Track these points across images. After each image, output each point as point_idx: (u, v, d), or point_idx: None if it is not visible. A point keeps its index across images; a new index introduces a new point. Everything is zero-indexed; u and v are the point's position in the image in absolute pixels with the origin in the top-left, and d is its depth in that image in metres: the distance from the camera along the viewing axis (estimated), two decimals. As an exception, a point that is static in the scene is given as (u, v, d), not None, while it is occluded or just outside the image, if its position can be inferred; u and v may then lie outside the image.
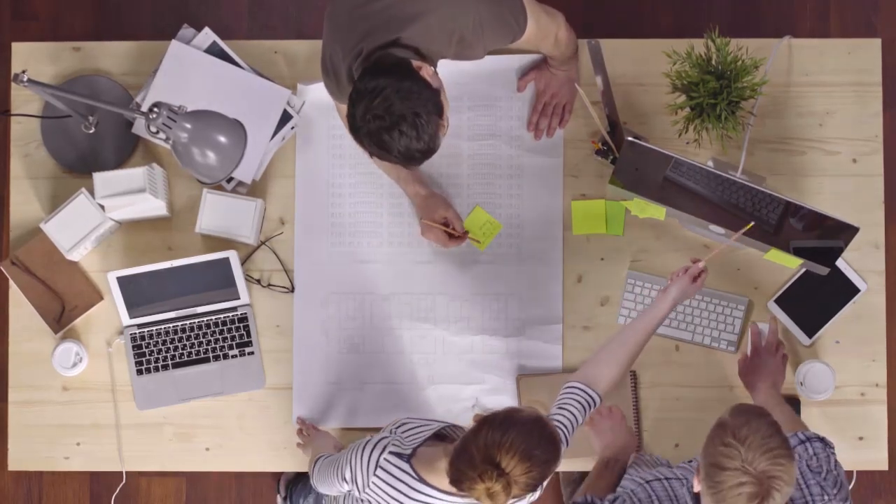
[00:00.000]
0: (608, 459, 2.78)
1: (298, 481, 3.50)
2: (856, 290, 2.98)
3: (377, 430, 2.99)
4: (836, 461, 2.55)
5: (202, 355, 3.00)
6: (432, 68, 2.53)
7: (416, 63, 2.50)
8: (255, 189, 3.04)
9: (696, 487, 2.36)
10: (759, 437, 2.26)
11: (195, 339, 3.00)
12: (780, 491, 2.26)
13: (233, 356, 3.00)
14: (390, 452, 2.51)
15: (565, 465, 2.98)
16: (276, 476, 3.58)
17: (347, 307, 3.02)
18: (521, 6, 2.65)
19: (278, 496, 3.54)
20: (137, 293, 2.97)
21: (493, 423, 2.34)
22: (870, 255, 3.01)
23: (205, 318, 3.00)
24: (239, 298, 3.00)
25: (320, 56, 2.69)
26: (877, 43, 3.04)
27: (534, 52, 3.01)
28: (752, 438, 2.26)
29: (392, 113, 2.43)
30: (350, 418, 3.00)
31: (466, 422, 2.98)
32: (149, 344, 3.00)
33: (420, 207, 2.98)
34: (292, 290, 3.02)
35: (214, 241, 3.04)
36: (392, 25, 2.53)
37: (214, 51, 3.03)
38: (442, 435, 2.62)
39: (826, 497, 2.47)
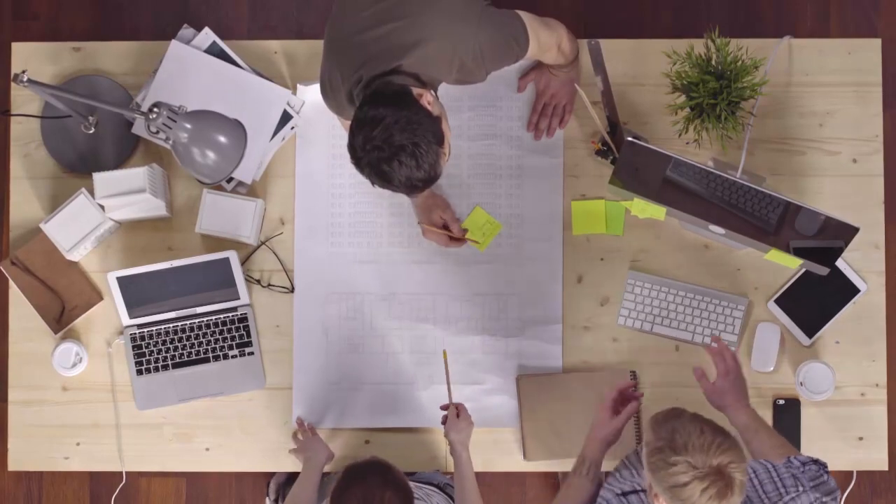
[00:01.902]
0: (581, 464, 2.67)
1: (291, 483, 3.50)
2: (856, 291, 2.98)
3: (377, 430, 2.99)
4: (829, 477, 2.54)
5: (202, 355, 3.00)
6: (433, 94, 2.53)
7: (416, 91, 2.49)
8: (255, 189, 3.04)
9: None
10: (693, 439, 2.29)
11: (195, 339, 3.00)
12: (737, 471, 2.28)
13: (233, 356, 3.00)
14: None
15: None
16: (270, 477, 3.58)
17: (347, 307, 3.02)
18: (522, 27, 2.64)
19: (267, 499, 3.54)
20: (137, 293, 2.97)
21: (337, 489, 2.50)
22: (870, 255, 3.01)
23: (205, 319, 3.00)
24: (239, 298, 3.00)
25: (319, 77, 2.68)
26: (877, 43, 3.04)
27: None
28: (689, 442, 2.29)
29: (391, 144, 2.43)
30: (350, 418, 3.00)
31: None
32: (149, 344, 3.00)
33: (419, 209, 2.99)
34: (292, 290, 3.02)
35: (214, 241, 3.04)
36: (393, 53, 2.52)
37: (214, 51, 3.03)
38: None
39: (800, 488, 2.47)
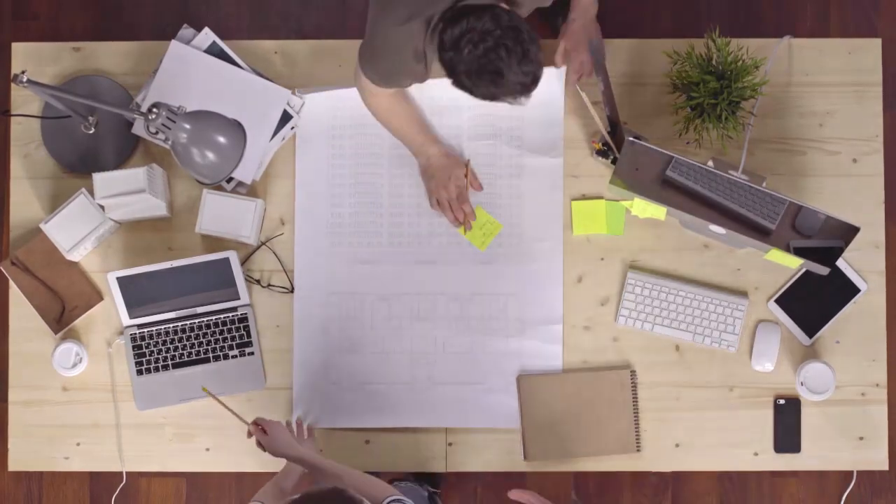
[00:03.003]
0: None
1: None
2: (856, 290, 2.99)
3: (377, 430, 2.99)
4: None
5: (202, 355, 3.00)
6: None
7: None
8: (255, 189, 3.04)
9: None
10: None
11: (195, 339, 3.00)
12: None
13: (233, 356, 3.00)
14: None
15: (577, 466, 2.99)
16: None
17: (347, 307, 3.02)
18: None
19: None
20: (137, 293, 2.97)
21: None
22: (870, 255, 3.01)
23: (205, 319, 3.00)
24: (239, 299, 3.00)
25: (369, 39, 2.55)
26: (877, 43, 3.04)
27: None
28: None
29: (490, 32, 2.27)
30: (350, 419, 3.00)
31: (466, 421, 2.98)
32: (149, 344, 3.00)
33: (439, 168, 2.95)
34: (292, 291, 3.02)
35: (214, 241, 3.04)
36: None
37: (214, 51, 3.03)
38: None
39: None
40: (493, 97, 2.34)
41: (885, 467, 2.99)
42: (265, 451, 2.73)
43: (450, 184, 2.96)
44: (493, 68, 2.29)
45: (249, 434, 2.76)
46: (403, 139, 2.98)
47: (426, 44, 2.50)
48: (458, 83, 2.35)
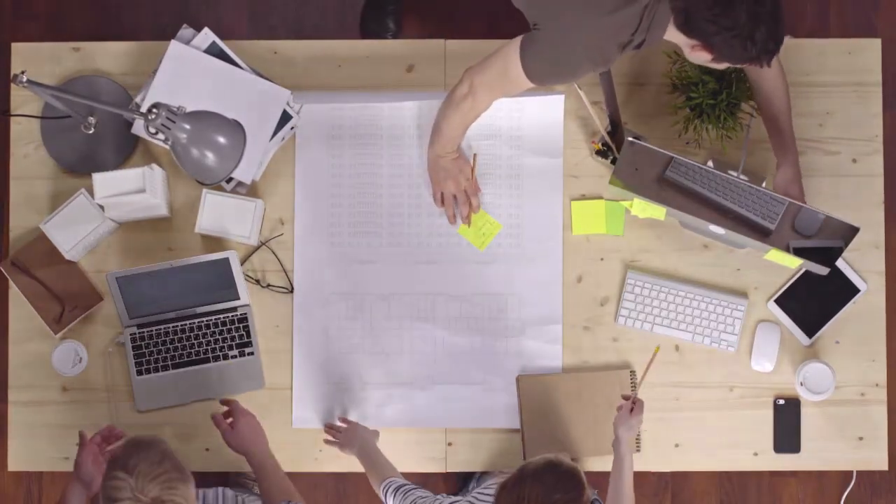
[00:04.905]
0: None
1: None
2: (856, 290, 2.99)
3: (376, 430, 2.99)
4: None
5: (202, 356, 3.00)
6: None
7: None
8: (255, 189, 3.04)
9: None
10: (147, 465, 2.36)
11: (195, 339, 3.00)
12: None
13: (232, 357, 3.00)
14: None
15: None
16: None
17: (347, 307, 3.02)
18: None
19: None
20: (137, 293, 2.97)
21: (507, 486, 2.43)
22: (870, 255, 3.01)
23: (204, 319, 3.00)
24: (238, 299, 3.00)
25: (552, 36, 2.61)
26: (877, 43, 3.04)
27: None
28: (142, 467, 2.36)
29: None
30: (350, 419, 3.00)
31: (466, 421, 2.98)
32: (149, 344, 3.00)
33: (450, 161, 2.95)
34: (291, 291, 3.02)
35: (214, 242, 3.04)
36: None
37: (214, 51, 3.03)
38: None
39: None
40: (776, 48, 2.52)
41: (885, 467, 2.99)
42: (615, 422, 2.77)
43: (459, 176, 2.97)
44: (779, 20, 2.49)
45: (626, 397, 2.81)
46: (448, 133, 2.90)
47: (637, 31, 2.56)
48: (752, 46, 2.49)
